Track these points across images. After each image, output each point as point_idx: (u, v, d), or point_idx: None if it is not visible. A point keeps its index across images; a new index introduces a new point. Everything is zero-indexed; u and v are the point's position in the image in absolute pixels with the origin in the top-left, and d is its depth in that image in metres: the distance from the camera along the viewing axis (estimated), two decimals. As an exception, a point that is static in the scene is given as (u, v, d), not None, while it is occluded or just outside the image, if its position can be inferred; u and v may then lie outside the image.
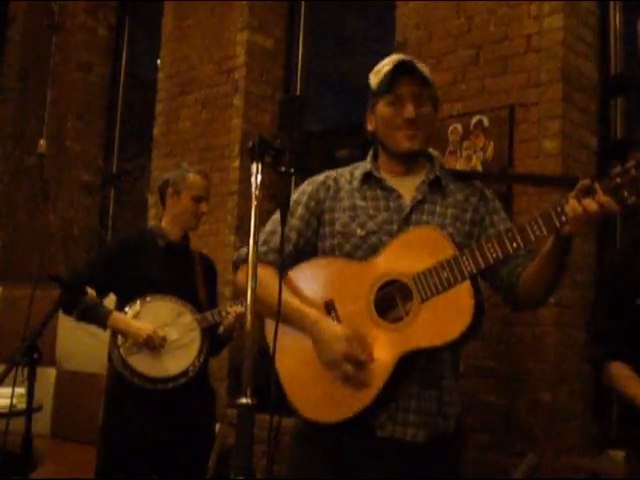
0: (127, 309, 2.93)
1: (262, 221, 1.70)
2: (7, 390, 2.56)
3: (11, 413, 2.60)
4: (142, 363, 2.87)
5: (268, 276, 1.77)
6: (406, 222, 1.85)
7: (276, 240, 1.86)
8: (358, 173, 1.97)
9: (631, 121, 3.48)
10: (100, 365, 3.09)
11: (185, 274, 3.10)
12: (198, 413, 2.99)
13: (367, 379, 1.72)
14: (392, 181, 1.93)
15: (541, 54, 3.23)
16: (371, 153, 2.01)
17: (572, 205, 1.59)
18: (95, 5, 6.31)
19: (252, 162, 1.39)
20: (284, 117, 1.44)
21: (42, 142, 6.15)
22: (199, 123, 4.85)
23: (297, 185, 2.14)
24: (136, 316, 2.91)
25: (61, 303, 2.82)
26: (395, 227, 1.85)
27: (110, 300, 3.07)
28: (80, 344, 4.56)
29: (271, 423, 1.42)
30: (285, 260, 1.85)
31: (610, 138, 3.40)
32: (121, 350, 2.88)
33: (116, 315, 2.91)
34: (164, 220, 3.14)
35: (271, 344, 1.67)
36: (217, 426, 3.71)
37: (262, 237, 1.90)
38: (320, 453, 1.83)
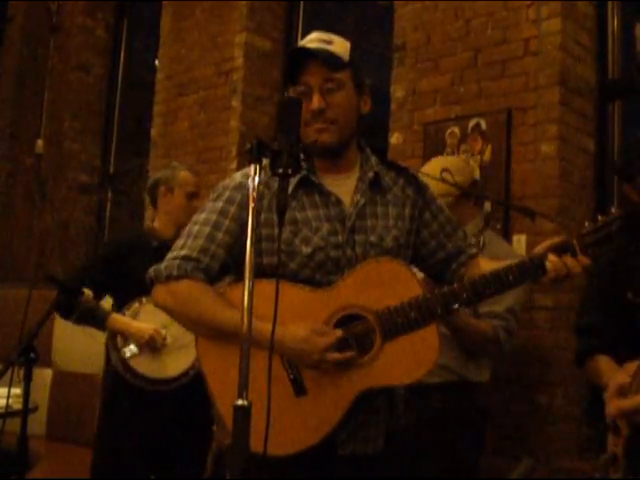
0: (125, 311, 2.92)
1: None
2: (3, 390, 2.55)
3: (7, 413, 2.59)
4: (143, 365, 2.86)
5: (209, 292, 1.67)
6: (352, 231, 1.71)
7: (207, 260, 1.68)
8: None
9: (628, 125, 3.49)
10: (96, 366, 3.09)
11: None
12: (195, 413, 2.98)
13: (321, 416, 1.62)
14: (328, 182, 1.74)
15: (539, 57, 3.24)
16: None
17: (554, 262, 1.61)
18: (93, 6, 6.31)
19: (250, 164, 1.38)
20: (282, 119, 1.43)
21: (39, 142, 6.15)
22: (197, 124, 4.85)
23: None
24: (135, 317, 2.90)
25: (57, 305, 2.82)
26: (341, 238, 1.69)
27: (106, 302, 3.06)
28: (76, 345, 4.56)
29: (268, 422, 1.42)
30: (211, 279, 1.69)
31: (607, 142, 3.41)
32: (122, 352, 2.87)
33: (115, 316, 2.90)
34: (157, 220, 3.11)
35: (210, 376, 1.51)
36: (214, 427, 3.69)
37: (190, 252, 1.68)
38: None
